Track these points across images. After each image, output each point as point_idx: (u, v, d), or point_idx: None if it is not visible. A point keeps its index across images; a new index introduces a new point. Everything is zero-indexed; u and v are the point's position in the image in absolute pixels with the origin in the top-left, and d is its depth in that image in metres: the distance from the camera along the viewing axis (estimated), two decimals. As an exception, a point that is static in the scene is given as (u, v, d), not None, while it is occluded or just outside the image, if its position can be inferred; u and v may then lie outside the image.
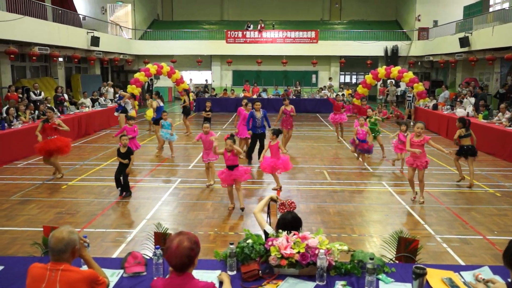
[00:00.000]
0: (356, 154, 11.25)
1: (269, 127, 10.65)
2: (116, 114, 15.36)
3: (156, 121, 12.91)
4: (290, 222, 3.69)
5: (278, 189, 8.73)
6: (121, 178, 8.23)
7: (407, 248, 3.91)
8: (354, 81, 31.65)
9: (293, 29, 28.18)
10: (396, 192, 8.66)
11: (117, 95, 15.50)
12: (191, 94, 20.81)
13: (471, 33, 19.86)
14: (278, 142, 8.69)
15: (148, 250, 4.33)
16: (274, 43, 27.52)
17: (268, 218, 4.19)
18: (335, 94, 21.26)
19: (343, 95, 20.98)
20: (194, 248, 2.77)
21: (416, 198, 8.06)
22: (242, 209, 7.44)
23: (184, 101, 16.18)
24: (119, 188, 8.25)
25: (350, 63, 28.84)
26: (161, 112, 12.48)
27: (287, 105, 12.21)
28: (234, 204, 7.60)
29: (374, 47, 27.02)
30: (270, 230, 3.77)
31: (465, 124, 9.14)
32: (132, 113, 15.27)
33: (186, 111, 16.04)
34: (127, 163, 8.13)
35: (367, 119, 11.33)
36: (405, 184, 9.31)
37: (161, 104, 13.54)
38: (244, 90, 24.57)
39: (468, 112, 14.77)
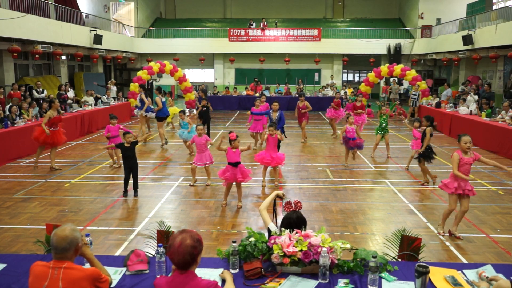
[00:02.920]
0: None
1: (281, 127, 11.04)
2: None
3: (158, 118, 12.97)
4: (295, 221, 3.69)
5: (263, 186, 8.85)
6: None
7: (409, 246, 3.91)
8: (357, 79, 31.61)
9: (296, 27, 28.17)
10: (399, 190, 8.64)
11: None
12: (193, 92, 20.82)
13: (474, 31, 19.79)
14: (276, 136, 8.75)
15: (150, 248, 4.34)
16: (276, 41, 27.49)
17: (274, 216, 4.18)
18: (337, 92, 21.23)
19: (345, 93, 20.97)
20: (197, 246, 2.77)
21: (444, 232, 6.45)
22: (240, 207, 7.55)
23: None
24: (125, 190, 8.19)
25: (353, 61, 28.81)
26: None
27: (302, 101, 13.41)
28: (226, 202, 7.68)
29: (377, 45, 26.97)
30: (274, 228, 3.77)
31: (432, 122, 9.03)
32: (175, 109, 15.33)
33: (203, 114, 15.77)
34: (133, 161, 8.06)
35: (380, 116, 11.53)
36: (408, 182, 9.31)
37: (162, 100, 13.43)
38: (247, 87, 24.55)
39: (471, 110, 14.74)
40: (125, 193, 8.17)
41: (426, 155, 8.75)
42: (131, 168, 8.09)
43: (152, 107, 13.84)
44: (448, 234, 6.38)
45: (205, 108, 13.67)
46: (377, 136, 11.59)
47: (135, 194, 8.18)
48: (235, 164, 7.44)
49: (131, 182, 8.20)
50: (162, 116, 12.99)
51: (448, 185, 6.17)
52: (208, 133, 13.57)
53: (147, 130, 14.31)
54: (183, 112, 12.06)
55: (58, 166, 10.15)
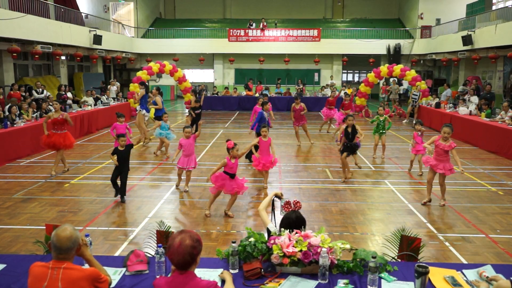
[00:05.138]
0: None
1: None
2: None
3: (158, 117, 12.63)
4: (294, 221, 3.68)
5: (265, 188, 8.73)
6: (119, 181, 7.83)
7: (409, 246, 3.91)
8: (356, 79, 31.61)
9: (295, 28, 28.19)
10: (398, 191, 8.64)
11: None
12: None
13: (474, 31, 19.81)
14: (270, 139, 8.63)
15: (150, 249, 4.34)
16: (276, 42, 27.51)
17: (273, 216, 4.18)
18: (337, 92, 21.27)
19: (345, 93, 20.95)
20: (197, 246, 2.77)
21: (426, 202, 7.77)
22: (232, 216, 7.12)
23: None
24: (116, 189, 7.87)
25: (352, 61, 28.82)
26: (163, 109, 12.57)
27: (298, 103, 13.04)
28: (210, 212, 7.19)
29: (377, 45, 26.99)
30: (273, 228, 3.77)
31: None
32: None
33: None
34: (125, 165, 7.73)
35: (377, 117, 11.33)
36: (407, 183, 9.32)
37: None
38: (246, 87, 24.55)
39: (470, 111, 14.75)
40: (117, 193, 7.87)
41: (349, 148, 9.03)
42: (120, 172, 7.74)
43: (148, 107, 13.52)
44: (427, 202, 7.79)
45: (199, 111, 13.45)
46: (375, 137, 11.47)
47: (122, 200, 7.81)
48: (233, 176, 7.05)
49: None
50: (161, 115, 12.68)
51: (429, 162, 7.60)
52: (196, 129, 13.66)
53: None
54: (166, 113, 11.85)
55: (67, 168, 10.03)
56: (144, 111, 13.52)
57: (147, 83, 16.92)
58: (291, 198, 4.12)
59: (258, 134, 10.51)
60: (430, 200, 7.82)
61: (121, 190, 7.83)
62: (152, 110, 14.19)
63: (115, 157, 7.66)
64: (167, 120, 11.59)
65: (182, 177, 8.62)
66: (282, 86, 25.65)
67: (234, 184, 7.02)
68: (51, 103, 14.38)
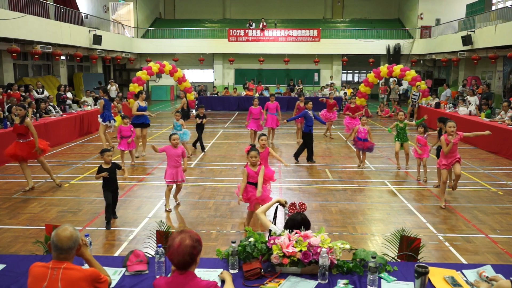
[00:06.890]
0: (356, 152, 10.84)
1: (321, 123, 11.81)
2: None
3: (135, 124, 11.07)
4: (299, 223, 3.68)
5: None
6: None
7: (409, 246, 3.91)
8: (356, 79, 31.63)
9: (295, 28, 28.21)
10: (398, 191, 8.64)
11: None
12: (192, 93, 20.81)
13: (474, 31, 19.81)
14: (267, 148, 7.24)
15: (150, 249, 4.34)
16: (276, 42, 27.52)
17: (274, 223, 4.14)
18: (337, 92, 21.31)
19: (345, 93, 20.99)
20: (196, 246, 2.77)
21: (445, 205, 7.60)
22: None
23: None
24: (108, 221, 6.63)
25: (352, 62, 28.83)
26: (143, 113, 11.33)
27: (302, 101, 13.17)
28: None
29: (377, 46, 27.00)
30: (274, 228, 3.75)
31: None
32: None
33: (184, 114, 13.01)
34: (115, 184, 6.70)
35: (396, 124, 10.16)
36: (407, 183, 9.31)
37: (143, 104, 11.43)
38: (245, 86, 24.54)
39: (470, 111, 14.75)
40: (109, 225, 6.60)
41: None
42: (112, 192, 6.68)
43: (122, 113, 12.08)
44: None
45: (201, 120, 11.91)
46: (396, 144, 10.20)
47: (115, 216, 6.94)
48: (256, 184, 6.13)
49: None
50: (143, 122, 11.38)
51: (440, 163, 7.54)
52: (201, 147, 12.18)
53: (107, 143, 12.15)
54: (178, 112, 11.11)
55: (33, 184, 8.65)
56: (107, 122, 12.13)
57: (107, 89, 14.95)
58: (291, 198, 4.12)
59: (307, 134, 10.71)
60: (445, 205, 7.63)
61: (113, 210, 6.85)
62: (118, 119, 12.37)
63: (103, 173, 6.48)
64: (179, 118, 10.84)
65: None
66: (281, 86, 25.64)
67: (260, 197, 6.08)
68: (50, 103, 14.41)
